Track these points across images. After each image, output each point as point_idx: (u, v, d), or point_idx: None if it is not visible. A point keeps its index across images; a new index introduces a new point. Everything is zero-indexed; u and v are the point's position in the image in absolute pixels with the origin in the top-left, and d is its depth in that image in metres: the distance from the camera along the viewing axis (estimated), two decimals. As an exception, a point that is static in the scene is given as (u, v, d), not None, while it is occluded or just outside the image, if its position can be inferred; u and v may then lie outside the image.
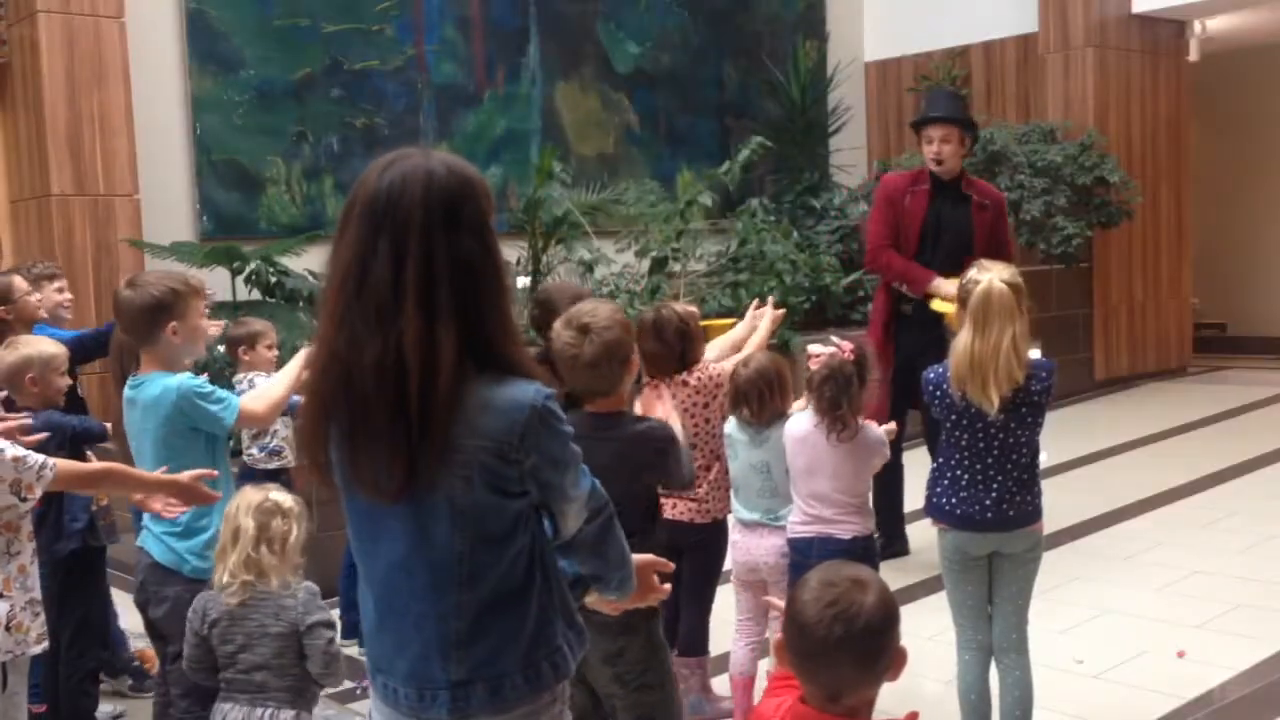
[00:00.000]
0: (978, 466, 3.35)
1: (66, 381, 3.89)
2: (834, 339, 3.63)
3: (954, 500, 3.37)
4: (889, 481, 5.29)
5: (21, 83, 6.58)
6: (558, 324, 2.80)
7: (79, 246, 6.42)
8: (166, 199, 7.13)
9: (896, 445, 5.29)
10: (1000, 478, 3.33)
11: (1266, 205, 12.09)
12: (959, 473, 3.38)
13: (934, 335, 4.96)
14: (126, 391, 3.31)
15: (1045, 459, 6.94)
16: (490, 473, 1.84)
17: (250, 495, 3.05)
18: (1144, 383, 9.77)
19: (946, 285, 4.85)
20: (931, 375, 3.42)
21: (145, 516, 3.33)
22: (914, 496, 5.47)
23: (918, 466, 5.45)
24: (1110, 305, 9.62)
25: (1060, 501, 5.75)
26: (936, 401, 3.40)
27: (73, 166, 6.41)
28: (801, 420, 3.61)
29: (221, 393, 3.27)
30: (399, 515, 1.86)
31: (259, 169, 7.59)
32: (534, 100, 8.83)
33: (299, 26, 7.71)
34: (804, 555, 3.46)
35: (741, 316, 7.19)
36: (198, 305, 3.30)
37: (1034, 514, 3.39)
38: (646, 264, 7.71)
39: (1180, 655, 4.11)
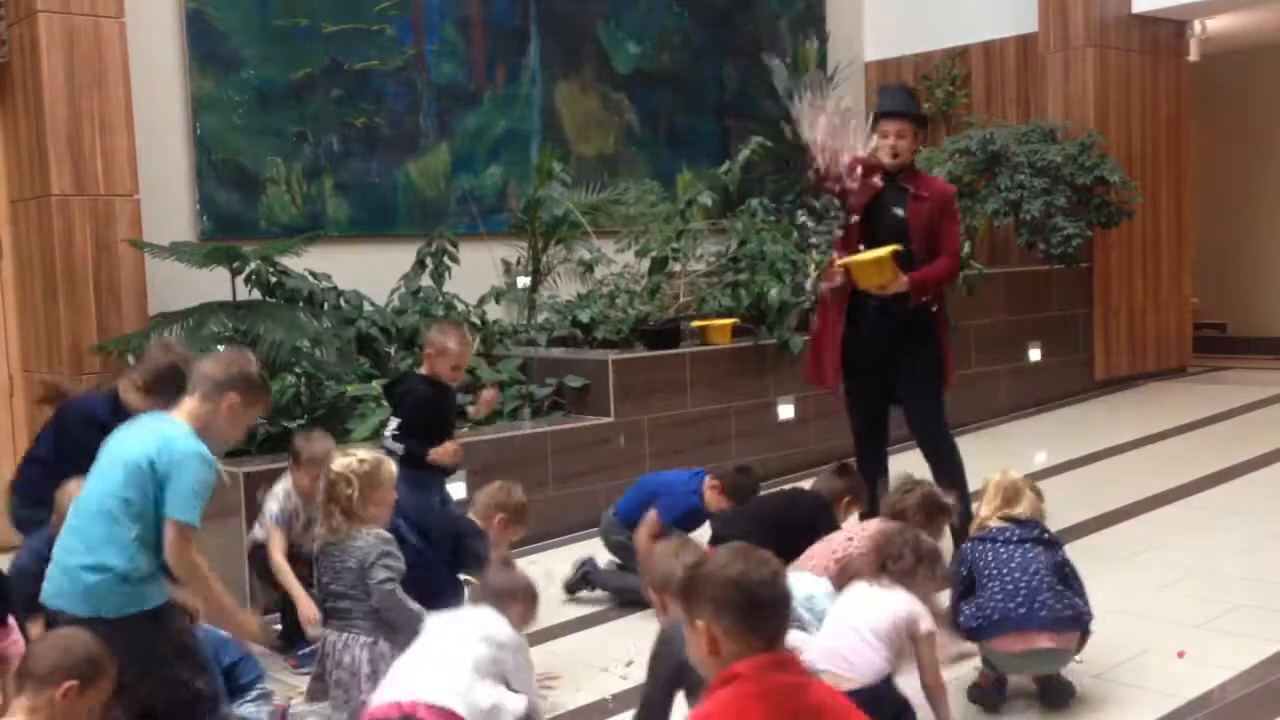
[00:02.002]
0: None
1: None
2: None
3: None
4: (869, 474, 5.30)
5: (21, 83, 6.57)
6: None
7: (79, 246, 6.41)
8: (166, 199, 7.13)
9: (879, 448, 5.35)
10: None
11: (1266, 205, 12.09)
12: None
13: (902, 326, 5.10)
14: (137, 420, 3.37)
15: (1044, 459, 6.99)
16: None
17: (330, 460, 3.68)
18: (1144, 383, 9.77)
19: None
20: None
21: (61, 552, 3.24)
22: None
23: (911, 469, 5.46)
24: (1110, 305, 9.63)
25: (1060, 501, 5.75)
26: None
27: (73, 166, 6.40)
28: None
29: (203, 500, 3.23)
30: None
31: (259, 169, 7.59)
32: (534, 100, 8.83)
33: (299, 26, 7.70)
34: None
35: (742, 318, 7.28)
36: (249, 405, 3.39)
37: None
38: (646, 264, 7.71)
39: (1180, 655, 4.11)
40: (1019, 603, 3.66)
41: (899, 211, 5.12)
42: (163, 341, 4.56)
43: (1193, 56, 10.05)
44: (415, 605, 3.59)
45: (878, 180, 5.08)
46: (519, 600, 3.54)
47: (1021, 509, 3.92)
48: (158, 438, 3.22)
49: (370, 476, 3.58)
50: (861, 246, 5.10)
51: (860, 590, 3.56)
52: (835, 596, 3.85)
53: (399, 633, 3.56)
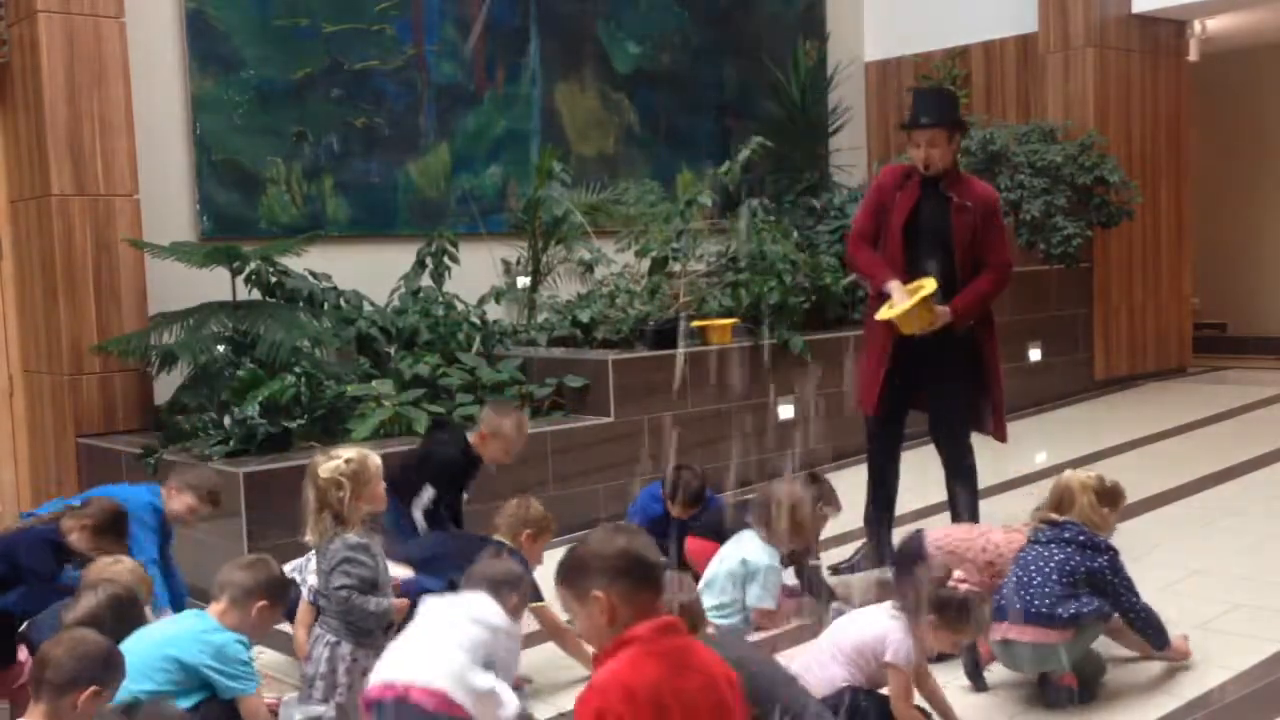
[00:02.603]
0: None
1: None
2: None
3: None
4: (881, 491, 5.27)
5: (21, 83, 6.58)
6: None
7: (79, 246, 6.42)
8: (166, 199, 7.13)
9: (895, 447, 5.31)
10: None
11: (1266, 205, 12.09)
12: None
13: (944, 338, 4.93)
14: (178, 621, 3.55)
15: (1044, 459, 6.98)
16: None
17: (314, 465, 3.59)
18: (1144, 383, 9.77)
19: (898, 290, 4.83)
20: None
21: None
22: (906, 498, 5.49)
23: (914, 470, 5.46)
24: (1110, 305, 9.63)
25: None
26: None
27: (73, 166, 6.40)
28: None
29: (250, 669, 3.48)
30: None
31: (259, 169, 7.59)
32: (534, 100, 8.83)
33: (299, 26, 7.70)
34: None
35: (743, 318, 7.28)
36: (285, 604, 3.73)
37: None
38: (646, 264, 7.70)
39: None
40: (1003, 595, 3.76)
41: (941, 219, 4.95)
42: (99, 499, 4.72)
43: (1193, 56, 10.05)
44: (379, 603, 3.59)
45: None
46: (515, 589, 3.55)
47: (1071, 515, 3.92)
48: (205, 645, 3.41)
49: (359, 474, 3.60)
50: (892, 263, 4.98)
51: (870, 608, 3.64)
52: (774, 556, 3.99)
53: (369, 636, 3.56)
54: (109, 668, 2.95)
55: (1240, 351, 11.37)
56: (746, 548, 3.98)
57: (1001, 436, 5.20)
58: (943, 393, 5.09)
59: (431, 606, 3.35)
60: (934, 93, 5.56)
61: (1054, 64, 9.54)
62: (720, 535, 4.75)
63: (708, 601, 3.82)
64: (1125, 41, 9.55)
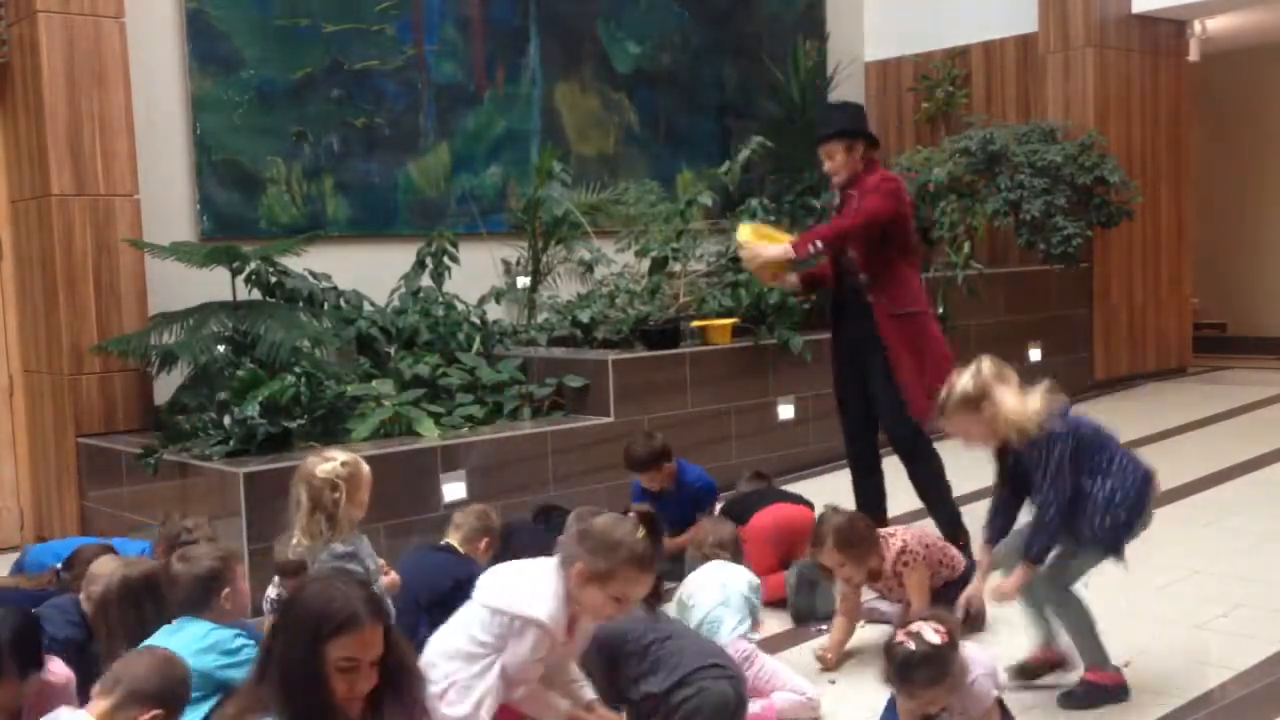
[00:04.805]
0: None
1: None
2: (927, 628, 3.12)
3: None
4: (872, 492, 5.32)
5: (21, 83, 6.57)
6: None
7: (79, 246, 6.42)
8: (166, 199, 7.13)
9: (868, 449, 5.35)
10: None
11: (1266, 205, 12.10)
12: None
13: (868, 325, 5.09)
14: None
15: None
16: None
17: (308, 467, 3.57)
18: (1144, 383, 9.77)
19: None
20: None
21: None
22: (893, 503, 5.49)
23: (897, 472, 5.44)
24: (1110, 305, 9.63)
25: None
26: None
27: (73, 166, 6.40)
28: None
29: (249, 651, 3.38)
30: None
31: (259, 169, 7.58)
32: (534, 100, 8.83)
33: (299, 26, 7.70)
34: None
35: (742, 318, 7.28)
36: (241, 571, 3.62)
37: None
38: (646, 264, 7.71)
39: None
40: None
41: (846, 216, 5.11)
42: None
43: (1193, 56, 10.06)
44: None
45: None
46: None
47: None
48: (209, 647, 3.37)
49: (354, 477, 3.61)
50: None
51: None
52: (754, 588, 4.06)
53: None
54: (180, 698, 2.94)
55: (1240, 351, 11.39)
56: (747, 574, 4.16)
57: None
58: (876, 387, 5.17)
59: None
60: (831, 107, 5.66)
61: (1054, 64, 9.55)
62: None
63: (730, 618, 3.89)
64: (1125, 41, 9.56)
